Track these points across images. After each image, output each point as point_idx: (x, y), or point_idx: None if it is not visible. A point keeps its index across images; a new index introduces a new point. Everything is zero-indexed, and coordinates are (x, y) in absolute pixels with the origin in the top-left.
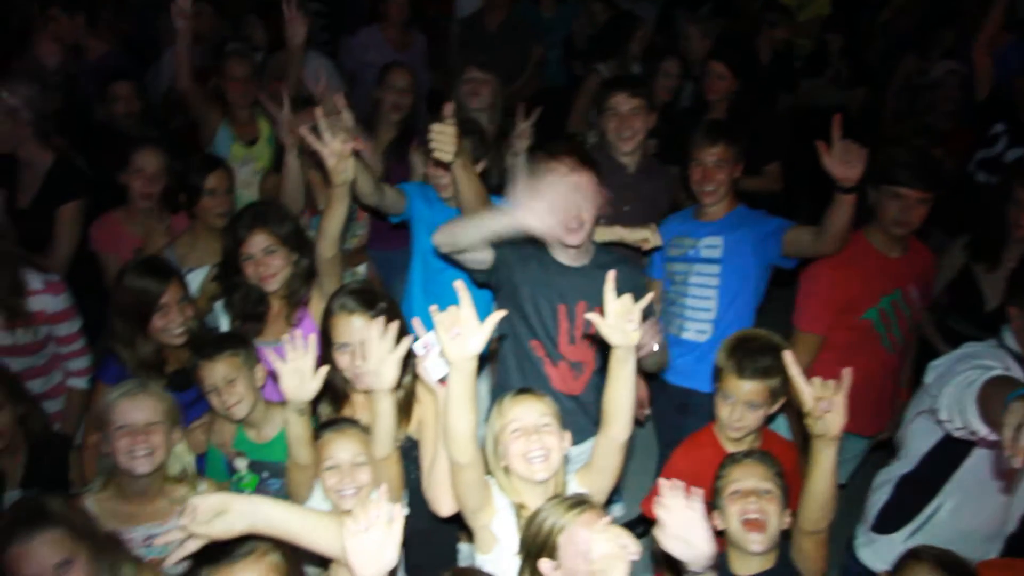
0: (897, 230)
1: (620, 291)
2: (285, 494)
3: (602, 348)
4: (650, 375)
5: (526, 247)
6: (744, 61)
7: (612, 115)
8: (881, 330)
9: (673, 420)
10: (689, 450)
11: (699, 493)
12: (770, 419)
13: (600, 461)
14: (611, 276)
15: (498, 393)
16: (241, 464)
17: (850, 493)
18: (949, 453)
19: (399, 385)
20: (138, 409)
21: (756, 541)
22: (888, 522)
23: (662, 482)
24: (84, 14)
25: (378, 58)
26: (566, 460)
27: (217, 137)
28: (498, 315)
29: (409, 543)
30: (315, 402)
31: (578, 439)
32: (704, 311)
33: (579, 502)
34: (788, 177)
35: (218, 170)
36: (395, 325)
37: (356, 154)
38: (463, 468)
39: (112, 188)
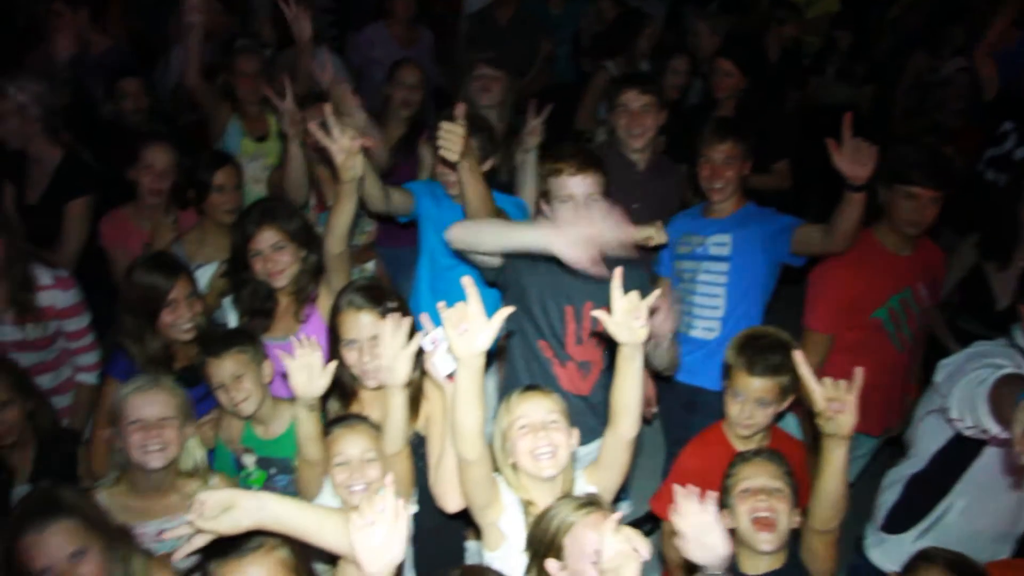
0: (910, 229)
1: (626, 289)
2: (293, 490)
3: (610, 347)
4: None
5: None
6: (752, 58)
7: (623, 112)
8: (890, 329)
9: (681, 418)
10: (698, 448)
11: (713, 496)
12: (779, 417)
13: (608, 458)
14: (618, 273)
15: (506, 392)
16: (249, 460)
17: (858, 491)
18: (959, 453)
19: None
20: (151, 404)
21: (766, 540)
22: (898, 522)
23: (676, 488)
24: (88, 9)
25: (384, 54)
26: (574, 459)
27: (227, 133)
28: (505, 311)
29: (417, 539)
30: (324, 398)
31: (586, 439)
32: (712, 309)
33: (588, 503)
34: (797, 175)
35: (227, 166)
36: (408, 320)
37: (364, 152)
38: (471, 464)
39: (121, 184)
